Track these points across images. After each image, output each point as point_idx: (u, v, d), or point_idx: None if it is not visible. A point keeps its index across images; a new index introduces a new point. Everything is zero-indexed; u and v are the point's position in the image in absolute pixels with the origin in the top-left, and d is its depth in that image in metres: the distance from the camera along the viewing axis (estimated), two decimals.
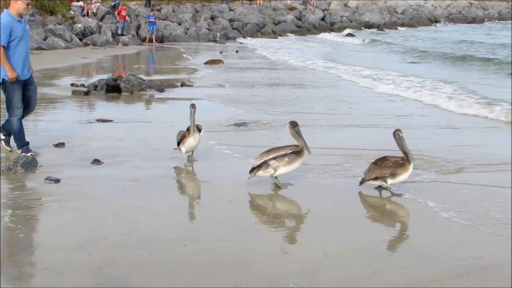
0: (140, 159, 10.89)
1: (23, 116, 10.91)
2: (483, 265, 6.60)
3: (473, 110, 16.34)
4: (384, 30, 66.04)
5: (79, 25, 42.20)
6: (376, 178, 8.88)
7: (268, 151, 9.15)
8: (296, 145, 9.14)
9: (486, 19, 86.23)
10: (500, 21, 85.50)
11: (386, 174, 8.81)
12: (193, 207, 8.67)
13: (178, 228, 7.60)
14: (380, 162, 8.98)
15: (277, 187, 9.24)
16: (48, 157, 10.84)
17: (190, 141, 10.47)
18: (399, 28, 69.74)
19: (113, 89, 19.43)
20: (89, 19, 44.47)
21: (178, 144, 10.62)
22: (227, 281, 6.12)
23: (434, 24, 77.28)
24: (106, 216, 7.94)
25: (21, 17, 10.53)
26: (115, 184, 9.31)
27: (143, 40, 45.11)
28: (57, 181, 9.36)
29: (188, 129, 10.54)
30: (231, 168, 10.35)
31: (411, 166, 8.83)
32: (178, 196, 9.06)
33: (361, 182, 9.09)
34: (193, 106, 10.45)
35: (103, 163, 10.46)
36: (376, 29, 67.01)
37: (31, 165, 9.98)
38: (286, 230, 7.73)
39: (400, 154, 8.96)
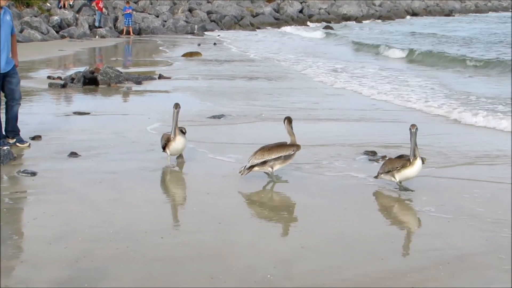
0: (117, 151, 10.86)
1: (9, 107, 10.93)
2: (459, 255, 6.66)
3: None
4: (361, 22, 66.33)
5: (56, 18, 41.88)
6: (388, 172, 8.82)
7: (270, 150, 9.06)
8: (297, 146, 9.19)
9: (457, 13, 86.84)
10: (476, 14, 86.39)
11: (395, 168, 8.71)
12: (170, 199, 8.66)
13: (155, 220, 7.59)
14: (397, 158, 8.91)
15: (273, 182, 9.27)
16: (25, 150, 10.78)
17: (174, 145, 9.92)
18: (376, 20, 69.99)
19: (90, 82, 19.34)
20: (66, 11, 44.14)
21: (163, 148, 10.05)
22: (205, 272, 6.13)
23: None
24: (83, 209, 7.92)
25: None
26: (92, 177, 9.27)
27: (121, 32, 44.90)
28: (33, 174, 9.30)
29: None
30: (208, 161, 10.34)
31: (417, 162, 8.60)
32: (156, 188, 9.02)
33: (376, 176, 9.07)
34: (176, 106, 9.85)
35: (80, 156, 10.42)
36: (354, 22, 67.24)
37: (7, 158, 9.91)
38: (263, 222, 7.74)
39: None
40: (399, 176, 8.69)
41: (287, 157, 9.08)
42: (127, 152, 10.81)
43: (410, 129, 8.58)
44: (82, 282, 5.87)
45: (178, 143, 9.91)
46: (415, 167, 8.62)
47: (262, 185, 9.11)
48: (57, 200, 8.23)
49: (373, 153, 10.80)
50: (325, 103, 16.61)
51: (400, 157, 8.87)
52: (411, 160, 8.58)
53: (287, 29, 55.99)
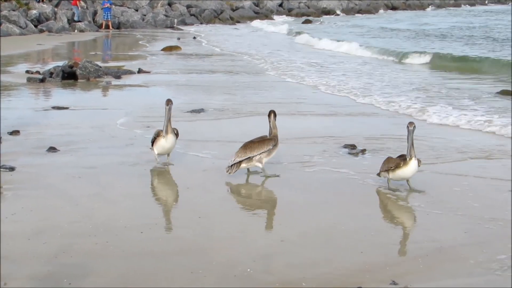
0: (97, 146, 10.81)
1: None
2: (438, 248, 6.71)
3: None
4: (340, 16, 66.62)
5: (34, 11, 41.60)
6: (386, 171, 8.73)
7: (252, 147, 9.06)
8: (272, 139, 9.19)
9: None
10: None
11: (389, 167, 8.61)
12: (149, 194, 8.64)
13: (134, 215, 7.57)
14: (398, 157, 8.73)
15: (265, 176, 9.26)
16: (3, 145, 10.68)
17: (162, 142, 9.51)
18: (356, 14, 70.17)
19: (69, 76, 19.23)
20: (44, 5, 43.85)
21: (152, 143, 9.67)
22: (184, 267, 6.12)
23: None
24: (61, 204, 7.88)
25: None
26: (71, 172, 9.22)
27: (100, 26, 44.71)
28: (12, 169, 9.24)
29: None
30: (188, 155, 10.32)
31: (411, 163, 8.45)
32: (135, 183, 8.98)
33: (378, 174, 8.96)
34: (168, 102, 9.49)
35: (58, 150, 10.36)
36: (333, 15, 67.43)
37: None
38: (243, 217, 7.75)
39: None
40: (393, 175, 8.59)
41: (271, 150, 9.11)
42: (106, 147, 10.76)
43: (407, 127, 8.45)
44: (61, 278, 5.85)
45: (167, 141, 9.49)
46: (409, 168, 8.45)
47: (242, 180, 9.10)
48: (36, 195, 8.18)
49: (353, 146, 10.82)
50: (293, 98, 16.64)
51: (401, 156, 8.66)
52: (407, 159, 8.45)
53: (255, 23, 55.26)
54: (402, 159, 8.51)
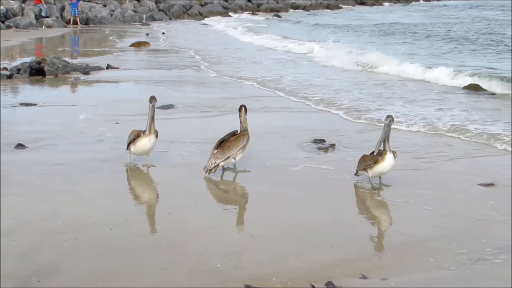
0: (65, 143, 10.74)
1: None
2: (408, 241, 6.77)
3: None
4: (309, 11, 66.77)
5: (1, 7, 41.09)
6: (364, 169, 8.66)
7: (230, 146, 9.04)
8: (244, 134, 9.21)
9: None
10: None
11: (367, 165, 8.57)
12: (119, 190, 8.58)
13: (104, 211, 7.54)
14: (370, 154, 8.68)
15: (235, 172, 9.26)
16: None
17: (144, 142, 9.22)
18: (325, 10, 70.40)
19: (37, 72, 19.06)
20: (11, 1, 43.31)
21: (129, 144, 9.39)
22: (155, 263, 6.11)
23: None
24: (30, 201, 7.82)
25: None
26: (39, 169, 9.16)
27: (68, 22, 44.30)
28: None
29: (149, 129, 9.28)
30: (158, 151, 10.27)
31: (387, 157, 8.44)
32: (104, 179, 8.92)
33: (356, 173, 8.90)
34: (151, 99, 9.21)
35: (27, 147, 10.28)
36: (302, 10, 67.63)
37: None
38: (214, 212, 7.74)
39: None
40: (371, 172, 8.55)
41: (245, 146, 9.14)
42: (75, 143, 10.69)
43: (386, 121, 8.42)
44: (30, 275, 5.81)
45: (148, 141, 9.24)
46: (386, 162, 8.45)
47: (214, 176, 9.06)
48: (4, 192, 8.09)
49: (322, 141, 10.86)
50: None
51: (373, 152, 8.62)
52: (382, 154, 8.44)
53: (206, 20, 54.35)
54: (379, 155, 8.49)
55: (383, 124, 8.52)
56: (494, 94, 16.34)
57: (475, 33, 36.21)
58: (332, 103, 14.74)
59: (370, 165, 8.52)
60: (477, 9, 68.21)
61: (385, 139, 8.45)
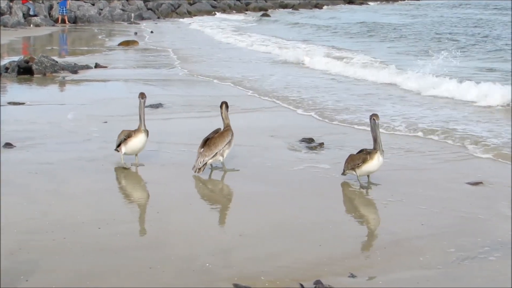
0: (54, 142, 10.71)
1: None
2: (396, 240, 6.79)
3: None
4: (298, 10, 66.83)
5: None
6: (352, 169, 8.61)
7: (215, 143, 9.03)
8: (228, 129, 9.21)
9: None
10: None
11: (356, 164, 8.51)
12: (107, 190, 8.56)
13: (92, 211, 7.52)
14: (358, 153, 8.66)
15: (224, 171, 9.27)
16: None
17: (136, 141, 9.16)
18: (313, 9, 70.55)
19: (25, 71, 19.03)
20: None
21: (119, 145, 9.29)
22: (143, 262, 6.10)
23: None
24: (18, 200, 7.79)
25: None
26: (27, 168, 9.12)
27: (56, 21, 44.21)
28: None
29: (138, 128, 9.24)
30: (147, 151, 10.24)
31: (376, 156, 8.42)
32: (93, 179, 8.89)
33: (343, 173, 8.86)
34: (142, 95, 9.20)
35: (15, 146, 10.24)
36: (291, 9, 67.72)
37: None
38: (202, 211, 7.74)
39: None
40: (360, 171, 8.51)
41: (231, 141, 9.15)
42: (64, 143, 10.66)
43: (373, 119, 8.35)
44: (17, 275, 5.79)
45: (140, 140, 9.20)
46: (375, 161, 8.42)
47: (203, 175, 9.05)
48: None
49: (310, 140, 10.87)
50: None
51: (361, 151, 8.62)
52: (372, 152, 8.41)
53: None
54: (367, 153, 8.47)
55: (370, 124, 8.47)
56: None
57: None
58: (316, 104, 14.66)
59: (358, 164, 8.49)
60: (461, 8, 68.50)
61: (376, 138, 8.44)
